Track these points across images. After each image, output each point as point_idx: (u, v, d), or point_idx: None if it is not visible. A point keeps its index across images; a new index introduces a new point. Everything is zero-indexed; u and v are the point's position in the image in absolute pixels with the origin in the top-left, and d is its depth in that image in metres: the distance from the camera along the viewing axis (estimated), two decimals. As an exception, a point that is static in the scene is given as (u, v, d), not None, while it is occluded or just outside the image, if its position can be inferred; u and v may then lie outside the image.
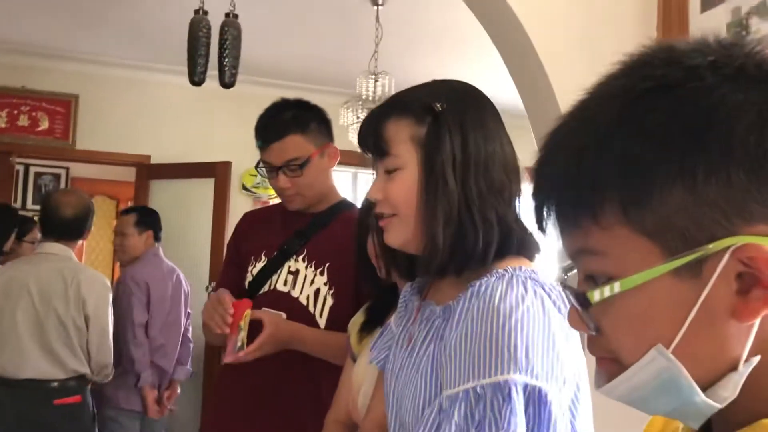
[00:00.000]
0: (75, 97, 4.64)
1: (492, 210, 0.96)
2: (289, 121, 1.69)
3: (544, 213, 0.54)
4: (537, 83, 1.87)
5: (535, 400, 0.84)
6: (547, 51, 1.82)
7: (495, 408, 0.83)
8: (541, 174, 0.55)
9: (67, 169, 6.58)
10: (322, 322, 1.65)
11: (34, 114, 4.61)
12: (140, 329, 3.15)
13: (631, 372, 0.50)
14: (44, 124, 4.63)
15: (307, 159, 1.68)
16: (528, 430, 0.83)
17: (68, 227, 2.73)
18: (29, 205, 6.39)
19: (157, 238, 3.48)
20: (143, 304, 3.17)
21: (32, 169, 6.48)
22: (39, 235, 3.74)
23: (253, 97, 3.92)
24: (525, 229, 0.99)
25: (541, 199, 0.54)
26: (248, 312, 1.58)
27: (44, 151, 4.80)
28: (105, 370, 2.72)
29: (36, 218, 3.82)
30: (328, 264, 1.67)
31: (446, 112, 0.98)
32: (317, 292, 1.67)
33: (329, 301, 1.66)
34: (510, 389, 0.83)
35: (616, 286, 0.49)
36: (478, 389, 0.84)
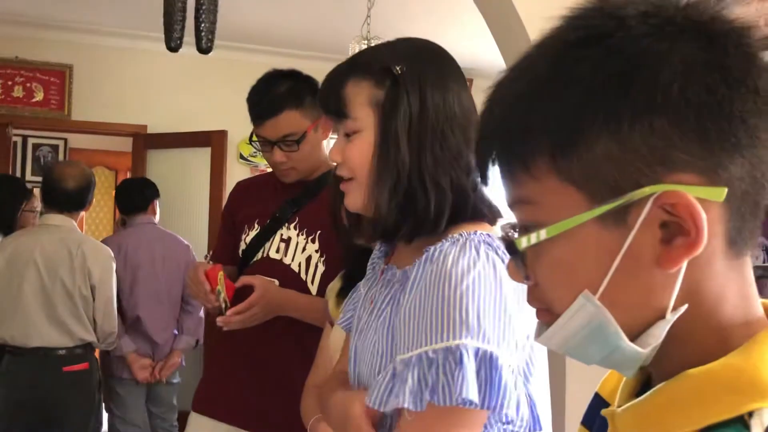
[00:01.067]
0: (69, 68, 4.61)
1: (446, 176, 0.96)
2: (284, 95, 1.67)
3: (487, 164, 0.55)
4: (515, 36, 1.86)
5: (487, 364, 0.84)
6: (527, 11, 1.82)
7: (447, 372, 0.83)
8: (481, 125, 0.56)
9: (65, 140, 6.57)
10: (313, 288, 1.68)
11: (28, 85, 4.59)
12: None
13: (563, 320, 0.51)
14: (39, 95, 4.62)
15: (302, 134, 1.67)
16: (480, 393, 0.83)
17: (70, 199, 2.76)
18: (29, 176, 6.39)
19: (140, 209, 3.43)
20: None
21: (30, 141, 6.48)
22: (38, 205, 3.77)
23: (247, 65, 3.91)
24: (483, 195, 1.00)
25: (482, 149, 0.55)
26: (221, 275, 1.61)
27: (40, 122, 4.79)
28: (110, 338, 2.78)
29: (35, 189, 3.84)
30: (319, 232, 1.69)
31: (405, 76, 0.97)
32: (309, 259, 1.69)
33: (320, 268, 1.68)
34: (462, 353, 0.83)
35: (543, 233, 0.50)
36: (430, 353, 0.85)
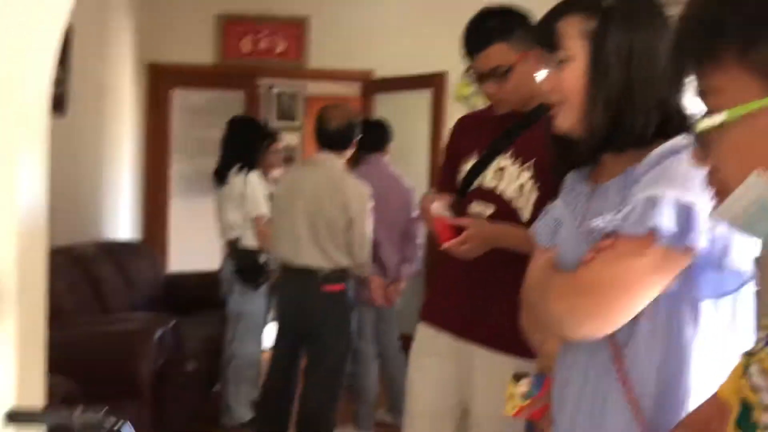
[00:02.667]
0: (306, 19, 5.05)
1: (652, 97, 1.07)
2: (493, 29, 1.77)
3: (682, 60, 0.63)
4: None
5: (686, 213, 0.96)
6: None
7: (646, 210, 0.98)
8: (680, 23, 0.63)
9: (303, 87, 7.21)
10: (526, 214, 1.76)
11: (272, 38, 5.11)
12: None
13: (736, 195, 0.58)
14: (281, 47, 5.13)
15: (511, 66, 1.75)
16: (673, 228, 0.95)
17: (335, 139, 3.08)
18: (274, 121, 7.15)
19: (379, 149, 3.78)
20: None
21: (274, 89, 7.22)
22: (281, 146, 4.26)
23: (465, 5, 3.98)
24: (687, 116, 1.06)
25: (678, 46, 0.63)
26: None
27: (282, 71, 5.33)
28: (364, 267, 3.12)
29: (279, 133, 4.36)
30: (533, 160, 1.76)
31: (615, 9, 1.09)
32: (522, 186, 1.77)
33: (533, 195, 1.76)
34: (660, 200, 0.97)
35: (724, 115, 0.57)
36: (632, 202, 1.01)
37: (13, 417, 1.32)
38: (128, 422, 1.28)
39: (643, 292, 1.00)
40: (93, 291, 3.59)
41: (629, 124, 1.08)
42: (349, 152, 3.18)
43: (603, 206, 1.12)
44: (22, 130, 1.65)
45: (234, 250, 3.73)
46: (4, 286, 1.59)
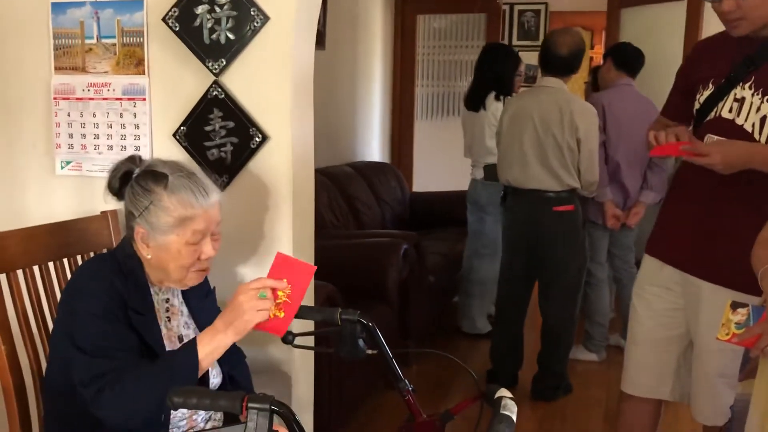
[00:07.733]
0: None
1: None
2: None
3: None
4: None
5: None
6: None
7: None
8: None
9: (546, 4, 7.01)
10: (767, 149, 1.67)
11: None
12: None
13: None
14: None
15: None
16: None
17: (563, 64, 3.13)
18: (515, 41, 7.10)
19: (630, 72, 3.69)
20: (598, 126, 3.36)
21: (516, 8, 7.12)
22: (523, 69, 4.28)
23: None
24: None
25: None
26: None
27: (524, -10, 5.26)
28: (591, 186, 3.18)
29: (519, 53, 4.37)
30: None
31: None
32: (763, 119, 1.66)
33: (776, 128, 1.65)
34: None
35: None
36: None
37: (292, 311, 1.67)
38: (375, 326, 1.55)
39: None
40: (349, 208, 4.06)
41: None
42: (573, 77, 3.18)
43: None
44: (290, 67, 1.95)
45: (491, 173, 3.83)
46: (282, 202, 1.95)
